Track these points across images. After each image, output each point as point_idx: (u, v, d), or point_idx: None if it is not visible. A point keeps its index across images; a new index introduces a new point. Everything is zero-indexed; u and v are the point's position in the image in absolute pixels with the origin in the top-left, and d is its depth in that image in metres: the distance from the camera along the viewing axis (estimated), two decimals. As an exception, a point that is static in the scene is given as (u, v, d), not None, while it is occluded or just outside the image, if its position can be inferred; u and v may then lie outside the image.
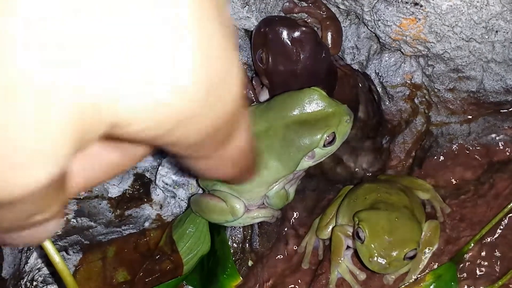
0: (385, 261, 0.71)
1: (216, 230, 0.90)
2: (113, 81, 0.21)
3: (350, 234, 0.79)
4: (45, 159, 0.21)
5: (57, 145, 0.21)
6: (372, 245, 0.71)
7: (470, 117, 0.85)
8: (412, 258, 0.72)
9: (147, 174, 1.05)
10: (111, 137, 0.24)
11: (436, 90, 0.86)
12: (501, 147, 0.83)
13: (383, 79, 0.90)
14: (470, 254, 0.77)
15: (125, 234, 1.01)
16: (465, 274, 0.76)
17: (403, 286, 0.77)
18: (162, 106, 0.22)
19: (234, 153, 0.31)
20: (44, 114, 0.20)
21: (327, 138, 0.78)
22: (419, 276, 0.77)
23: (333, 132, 0.78)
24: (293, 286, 0.86)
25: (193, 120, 0.24)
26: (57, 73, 0.20)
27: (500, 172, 0.81)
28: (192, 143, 0.26)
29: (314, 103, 0.80)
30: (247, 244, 0.90)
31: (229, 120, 0.26)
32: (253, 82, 0.94)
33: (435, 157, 0.87)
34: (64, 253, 0.99)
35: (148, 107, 0.22)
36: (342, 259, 0.80)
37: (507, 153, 0.82)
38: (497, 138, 0.83)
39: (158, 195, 1.05)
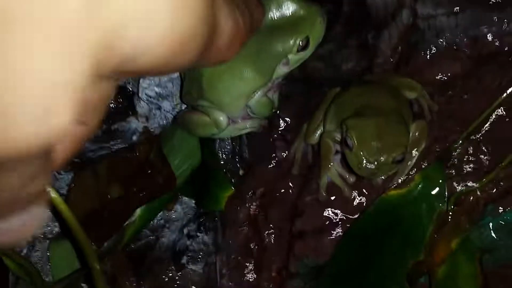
0: (374, 166, 0.71)
1: (206, 143, 0.90)
2: (123, 19, 0.25)
3: (338, 139, 0.79)
4: (65, 92, 0.23)
5: (77, 74, 0.24)
6: (361, 152, 0.71)
7: (457, 8, 0.82)
8: (400, 161, 0.72)
9: (129, 87, 1.02)
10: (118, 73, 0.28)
11: (422, -19, 0.82)
12: (489, 39, 0.80)
13: (366, -28, 0.86)
14: (458, 151, 0.77)
15: (114, 150, 1.01)
16: (453, 172, 0.77)
17: (392, 186, 0.78)
18: (161, 40, 0.28)
19: (225, 42, 0.38)
20: (68, 45, 0.23)
21: (301, 43, 0.76)
22: (408, 176, 0.78)
23: (307, 37, 0.76)
24: (284, 190, 0.87)
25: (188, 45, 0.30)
26: (90, 10, 0.23)
27: (489, 64, 0.79)
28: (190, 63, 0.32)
29: (284, 6, 0.76)
30: (237, 155, 0.90)
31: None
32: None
33: (422, 53, 0.84)
34: (55, 172, 0.99)
35: (150, 42, 0.27)
36: (331, 164, 0.80)
37: (496, 45, 0.80)
38: (486, 30, 0.80)
39: (142, 107, 1.03)
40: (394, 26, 0.89)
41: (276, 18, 0.76)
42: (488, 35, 0.80)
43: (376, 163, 0.71)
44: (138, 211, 0.87)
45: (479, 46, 0.81)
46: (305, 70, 0.96)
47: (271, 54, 0.77)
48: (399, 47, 0.89)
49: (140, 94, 0.99)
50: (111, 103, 1.03)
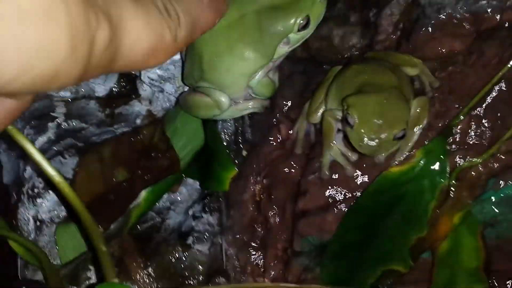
0: (375, 143, 0.71)
1: (208, 125, 0.91)
2: None
3: (340, 118, 0.79)
4: None
5: None
6: (362, 130, 0.71)
7: (458, -17, 0.81)
8: (401, 138, 0.73)
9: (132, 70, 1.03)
10: None
11: (421, -43, 0.81)
12: (490, 14, 0.80)
13: (365, -51, 0.85)
14: (459, 126, 0.77)
15: (118, 133, 1.01)
16: (454, 147, 0.77)
17: (394, 163, 0.79)
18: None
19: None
20: None
21: (301, 22, 0.76)
22: (410, 152, 0.78)
23: (307, 16, 0.76)
24: (287, 170, 0.88)
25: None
26: None
27: (489, 39, 0.79)
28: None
29: None
30: (240, 136, 0.91)
31: None
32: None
33: (423, 29, 0.84)
34: (60, 157, 1.00)
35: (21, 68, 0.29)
36: (333, 142, 0.81)
37: (497, 20, 0.80)
38: (487, 4, 0.80)
39: (145, 90, 1.04)
40: (395, 2, 0.88)
41: None
42: (488, 10, 0.80)
43: (377, 140, 0.71)
44: (143, 193, 0.88)
45: (480, 21, 0.81)
46: (306, 49, 0.96)
47: (271, 34, 0.77)
48: (401, 24, 0.89)
49: (142, 77, 1.00)
50: (114, 87, 1.03)
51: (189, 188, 0.95)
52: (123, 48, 0.35)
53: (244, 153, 0.91)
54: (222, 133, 0.89)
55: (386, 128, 0.71)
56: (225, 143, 0.89)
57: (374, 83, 0.76)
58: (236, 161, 0.90)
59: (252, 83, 0.83)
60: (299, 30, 0.77)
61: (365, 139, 0.71)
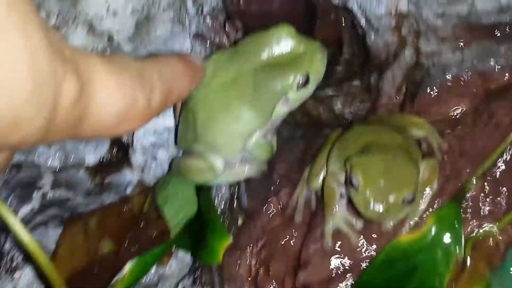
0: (382, 207, 0.65)
1: (202, 191, 0.84)
2: None
3: (343, 181, 0.73)
4: None
5: None
6: (368, 192, 0.65)
7: (462, 43, 0.78)
8: (411, 201, 0.66)
9: (124, 138, 0.98)
10: None
11: (424, 17, 0.79)
12: (498, 73, 0.76)
13: (366, 11, 0.83)
14: (472, 191, 0.71)
15: (106, 203, 0.95)
16: (469, 213, 0.71)
17: (403, 231, 0.72)
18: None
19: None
20: None
21: (301, 80, 0.72)
22: (420, 219, 0.72)
23: (306, 73, 0.72)
24: (287, 240, 0.81)
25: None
26: None
27: (499, 99, 0.75)
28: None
29: (283, 43, 0.73)
30: (235, 203, 0.84)
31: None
32: (226, 27, 0.86)
33: (428, 91, 0.80)
34: (43, 228, 0.94)
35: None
36: (336, 208, 0.74)
37: (506, 79, 0.76)
38: (494, 63, 0.76)
39: (137, 159, 0.98)
40: (397, 65, 0.85)
41: (274, 55, 0.73)
42: (496, 69, 0.76)
43: (384, 203, 0.65)
44: (129, 265, 0.80)
45: (488, 81, 0.77)
46: (306, 114, 0.92)
47: (269, 92, 0.73)
48: (403, 86, 0.85)
49: (134, 145, 0.95)
50: (105, 155, 0.98)
51: (179, 261, 0.88)
52: (92, 108, 0.34)
53: (240, 221, 0.84)
54: (216, 200, 0.83)
55: (394, 190, 0.65)
56: (219, 211, 0.82)
57: (379, 143, 0.71)
58: (231, 230, 0.83)
59: (248, 145, 0.77)
60: (298, 88, 0.73)
61: (372, 202, 0.65)
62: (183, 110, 0.81)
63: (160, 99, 0.41)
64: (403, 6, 0.80)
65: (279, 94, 0.73)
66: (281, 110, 0.75)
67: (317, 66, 0.73)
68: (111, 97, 0.36)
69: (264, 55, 0.73)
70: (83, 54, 0.34)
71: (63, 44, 0.32)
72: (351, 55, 0.94)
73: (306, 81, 0.72)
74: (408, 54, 0.84)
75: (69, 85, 0.31)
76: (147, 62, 0.41)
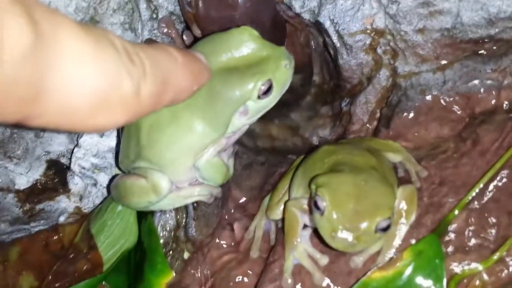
0: (352, 235, 0.54)
1: (144, 217, 0.73)
2: None
3: (307, 208, 0.63)
4: None
5: None
6: (335, 216, 0.55)
7: (444, 62, 0.71)
8: (385, 230, 0.56)
9: (63, 160, 0.87)
10: None
11: (402, 33, 0.72)
12: (484, 95, 0.68)
13: (339, 27, 0.75)
14: (455, 223, 0.61)
15: (33, 232, 0.82)
16: (451, 248, 0.61)
17: (375, 268, 0.61)
18: None
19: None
20: None
21: (262, 87, 0.62)
22: (395, 254, 0.61)
23: (269, 80, 0.62)
24: (240, 278, 0.69)
25: None
26: None
27: (485, 124, 0.67)
28: None
29: (243, 45, 0.63)
30: (182, 232, 0.72)
31: None
32: (184, 37, 0.77)
33: (405, 114, 0.72)
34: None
35: None
36: (298, 240, 0.64)
37: (492, 102, 0.68)
38: (479, 84, 0.69)
39: (76, 184, 0.87)
40: (371, 88, 0.77)
41: (233, 58, 0.63)
42: (482, 90, 0.68)
43: (354, 231, 0.54)
44: (46, 302, 0.67)
45: (472, 103, 0.69)
46: (269, 139, 0.82)
47: (226, 101, 0.62)
48: (378, 111, 0.77)
49: (72, 166, 0.83)
50: (39, 179, 0.86)
51: (113, 301, 0.75)
52: (55, 77, 0.28)
53: (186, 254, 0.72)
54: (159, 227, 0.71)
55: (366, 216, 0.55)
56: (162, 241, 0.70)
57: (350, 163, 0.62)
58: (174, 264, 0.71)
59: (199, 163, 0.66)
60: (259, 97, 0.63)
61: (340, 228, 0.55)
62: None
63: (151, 90, 0.34)
64: (380, 22, 0.73)
65: (236, 103, 0.63)
66: (239, 122, 0.65)
67: (282, 74, 0.63)
68: (85, 68, 0.29)
69: (222, 58, 0.63)
70: (46, 6, 0.28)
71: None
72: (321, 80, 0.86)
73: (269, 89, 0.63)
74: (383, 76, 0.76)
75: (16, 26, 0.25)
76: (140, 44, 0.35)
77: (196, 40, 0.77)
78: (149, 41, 0.76)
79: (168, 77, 0.37)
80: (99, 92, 0.30)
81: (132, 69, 0.32)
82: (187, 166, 0.67)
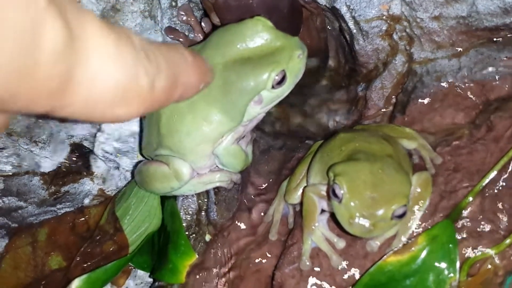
0: (369, 222, 0.57)
1: (167, 202, 0.75)
2: None
3: (325, 194, 0.65)
4: None
5: None
6: (352, 204, 0.57)
7: (459, 49, 0.72)
8: (401, 216, 0.58)
9: (86, 144, 0.89)
10: None
11: (418, 20, 0.72)
12: (498, 83, 0.70)
13: (355, 13, 0.76)
14: (469, 209, 0.63)
15: (60, 214, 0.85)
16: (464, 233, 0.63)
17: (390, 252, 0.63)
18: None
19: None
20: None
21: (276, 77, 0.63)
22: (410, 239, 0.63)
23: (283, 70, 0.63)
24: (259, 260, 0.72)
25: None
26: None
27: (500, 111, 0.68)
28: None
29: (257, 36, 0.64)
30: (203, 215, 0.75)
31: None
32: (202, 24, 0.79)
33: (421, 100, 0.73)
34: (-15, 240, 0.83)
35: None
36: (316, 225, 0.66)
37: (506, 89, 0.69)
38: (493, 72, 0.70)
39: (99, 167, 0.89)
40: (386, 74, 0.78)
41: (247, 49, 0.65)
42: (496, 77, 0.70)
43: (371, 217, 0.57)
44: (76, 282, 0.69)
45: (487, 90, 0.70)
46: (286, 124, 0.84)
47: (241, 91, 0.64)
48: (393, 97, 0.78)
49: (96, 150, 0.86)
50: (64, 162, 0.89)
51: (138, 282, 0.78)
52: (83, 71, 0.30)
53: (208, 237, 0.75)
54: (182, 211, 0.74)
55: (383, 203, 0.57)
56: (184, 224, 0.73)
57: (366, 151, 0.63)
58: (197, 246, 0.74)
59: (217, 151, 0.69)
60: (273, 87, 0.64)
61: (357, 215, 0.57)
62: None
63: (164, 85, 0.37)
64: (396, 8, 0.74)
65: (251, 93, 0.64)
66: (254, 111, 0.66)
67: (296, 64, 0.65)
68: (108, 64, 0.31)
69: (236, 49, 0.64)
70: (75, 5, 0.30)
71: None
72: (337, 64, 0.87)
73: (283, 79, 0.64)
74: (399, 62, 0.77)
75: (52, 28, 0.27)
76: (154, 42, 0.37)
77: (214, 27, 0.78)
78: (170, 30, 0.77)
79: (179, 75, 0.39)
80: (120, 86, 0.32)
81: (148, 65, 0.35)
82: (206, 153, 0.69)
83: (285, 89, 0.66)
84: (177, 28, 0.78)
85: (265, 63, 0.64)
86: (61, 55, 0.28)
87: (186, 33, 0.79)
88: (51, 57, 0.28)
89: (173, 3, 0.78)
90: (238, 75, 0.64)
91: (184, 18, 0.78)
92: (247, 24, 0.65)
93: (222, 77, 0.64)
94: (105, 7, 0.75)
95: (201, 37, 0.78)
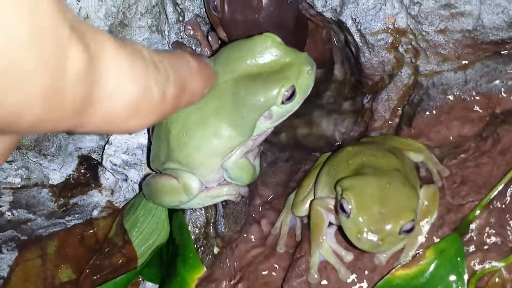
0: (377, 237, 0.57)
1: (175, 215, 0.76)
2: None
3: (332, 207, 0.65)
4: None
5: None
6: (360, 219, 0.58)
7: (465, 62, 0.72)
8: (409, 231, 0.58)
9: (94, 156, 0.90)
10: None
11: (424, 33, 0.73)
12: (504, 95, 0.70)
13: (361, 26, 0.77)
14: (477, 222, 0.64)
15: (69, 226, 0.86)
16: (472, 247, 0.63)
17: (398, 265, 0.64)
18: None
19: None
20: None
21: (286, 93, 0.64)
22: (417, 252, 0.64)
23: (292, 86, 0.64)
24: (268, 272, 0.72)
25: None
26: None
27: (506, 124, 0.68)
28: None
29: (267, 52, 0.65)
30: (211, 228, 0.76)
31: None
32: (209, 38, 0.79)
33: (427, 112, 0.74)
34: (-4, 252, 0.84)
35: None
36: (324, 238, 0.66)
37: (513, 101, 0.69)
38: (500, 84, 0.70)
39: (107, 179, 0.90)
40: (392, 86, 0.79)
41: (257, 65, 0.65)
42: (502, 90, 0.70)
43: (379, 232, 0.57)
44: (86, 295, 0.71)
45: (493, 103, 0.71)
46: (293, 136, 0.85)
47: (251, 106, 0.65)
48: (399, 109, 0.78)
49: (104, 163, 0.86)
50: (72, 174, 0.90)
51: (147, 293, 0.79)
52: (101, 89, 0.31)
53: (216, 249, 0.75)
54: (190, 224, 0.74)
55: (391, 218, 0.57)
56: (193, 237, 0.73)
57: (374, 165, 0.64)
58: (205, 259, 0.74)
59: (226, 165, 0.69)
60: (283, 103, 0.65)
61: (365, 231, 0.57)
62: (156, 125, 0.73)
63: (174, 93, 0.38)
64: (401, 21, 0.74)
65: (261, 108, 0.65)
66: (263, 126, 0.67)
67: (305, 79, 0.65)
68: (123, 80, 0.32)
69: (246, 65, 0.65)
70: (90, 27, 0.31)
71: (68, 11, 0.29)
72: (343, 76, 0.87)
73: (292, 95, 0.65)
74: (405, 74, 0.78)
75: (75, 54, 0.29)
76: (161, 52, 0.38)
77: (221, 42, 0.79)
78: (177, 44, 0.78)
79: (186, 82, 0.40)
80: (133, 100, 0.33)
81: (158, 76, 0.36)
82: (216, 167, 0.69)
83: (295, 105, 0.66)
84: (184, 42, 0.79)
85: (275, 79, 0.64)
86: (83, 77, 0.29)
87: (193, 47, 0.79)
88: (75, 80, 0.29)
89: (180, 18, 0.79)
90: (248, 91, 0.64)
91: (191, 32, 0.78)
92: (257, 40, 0.66)
93: (232, 92, 0.64)
94: (113, 22, 0.76)
95: (208, 51, 0.79)
